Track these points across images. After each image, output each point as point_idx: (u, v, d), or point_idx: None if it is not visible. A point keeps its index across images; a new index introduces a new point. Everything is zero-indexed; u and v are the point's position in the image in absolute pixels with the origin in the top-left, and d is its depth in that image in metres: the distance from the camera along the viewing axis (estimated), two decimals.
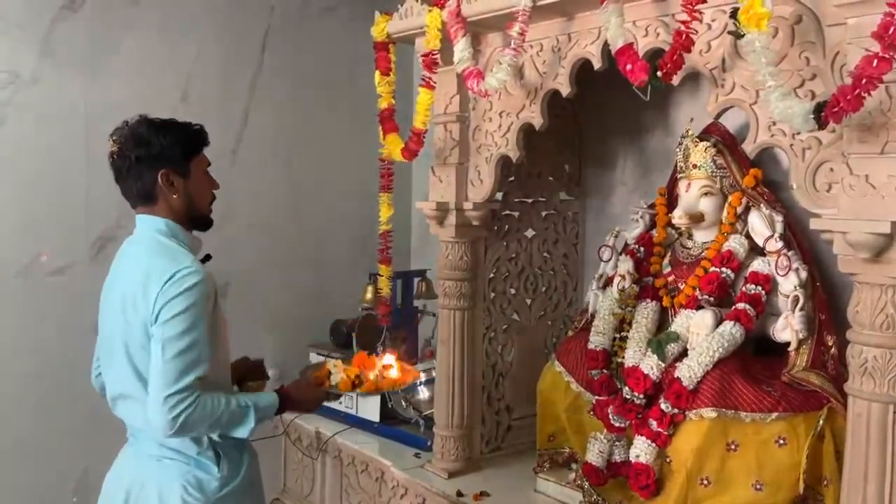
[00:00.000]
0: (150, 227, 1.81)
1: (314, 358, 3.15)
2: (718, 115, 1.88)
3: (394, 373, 2.14)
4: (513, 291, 2.63)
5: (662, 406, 1.88)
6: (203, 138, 1.86)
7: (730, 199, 2.06)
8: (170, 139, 1.78)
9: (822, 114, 1.39)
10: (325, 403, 2.93)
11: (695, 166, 2.08)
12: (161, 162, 1.77)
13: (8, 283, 2.79)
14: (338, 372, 2.04)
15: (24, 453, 2.82)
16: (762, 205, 1.99)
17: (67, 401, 2.83)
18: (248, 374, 2.04)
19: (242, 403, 1.76)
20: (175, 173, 1.80)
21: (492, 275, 2.55)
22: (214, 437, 1.77)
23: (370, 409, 2.86)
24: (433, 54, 2.20)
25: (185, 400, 1.64)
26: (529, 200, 2.66)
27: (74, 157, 2.88)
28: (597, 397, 2.13)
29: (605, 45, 1.88)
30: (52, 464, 2.88)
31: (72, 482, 2.93)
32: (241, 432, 1.77)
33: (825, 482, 1.78)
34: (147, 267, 1.71)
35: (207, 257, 1.87)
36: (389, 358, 2.20)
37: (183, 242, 1.81)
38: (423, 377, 2.63)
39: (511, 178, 2.56)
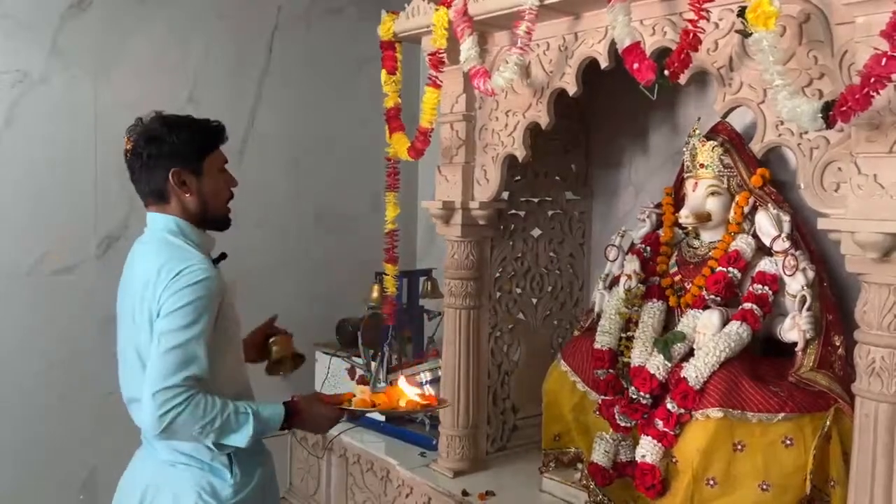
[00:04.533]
0: (159, 227, 1.75)
1: (320, 357, 3.16)
2: (726, 115, 1.88)
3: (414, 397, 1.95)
4: (519, 291, 2.63)
5: (669, 406, 1.87)
6: (219, 135, 1.80)
7: (737, 198, 2.05)
8: (183, 136, 1.72)
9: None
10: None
11: (702, 166, 2.07)
12: (172, 160, 1.71)
13: (16, 282, 2.80)
14: (362, 395, 1.89)
15: (32, 452, 2.83)
16: (769, 204, 1.98)
17: (75, 399, 2.85)
18: (270, 334, 2.02)
19: (241, 410, 1.64)
20: (187, 172, 1.73)
21: (498, 274, 2.55)
22: (208, 443, 1.65)
23: None
24: (440, 53, 2.20)
25: (175, 398, 1.54)
26: (536, 200, 2.66)
27: (82, 156, 2.89)
28: (603, 397, 2.13)
29: (612, 43, 1.87)
30: (60, 462, 2.89)
31: (79, 481, 2.94)
32: (236, 440, 1.64)
33: (832, 483, 1.77)
34: (155, 266, 1.65)
35: (222, 256, 1.82)
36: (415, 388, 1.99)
37: (192, 241, 1.74)
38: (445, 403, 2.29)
39: (517, 178, 2.56)
